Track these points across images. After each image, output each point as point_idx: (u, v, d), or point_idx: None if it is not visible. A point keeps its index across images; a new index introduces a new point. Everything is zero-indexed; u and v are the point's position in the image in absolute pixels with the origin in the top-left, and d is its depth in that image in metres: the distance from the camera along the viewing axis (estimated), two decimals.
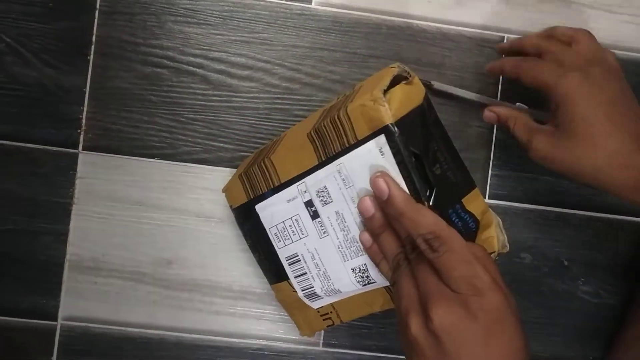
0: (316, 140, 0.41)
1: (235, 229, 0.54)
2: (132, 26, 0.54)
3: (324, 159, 0.41)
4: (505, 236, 0.40)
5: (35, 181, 0.54)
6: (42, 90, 0.53)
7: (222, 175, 0.54)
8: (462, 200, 0.40)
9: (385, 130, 0.37)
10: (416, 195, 0.37)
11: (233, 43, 0.54)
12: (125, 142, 0.54)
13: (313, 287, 0.46)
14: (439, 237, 0.35)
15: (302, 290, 0.47)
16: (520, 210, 0.56)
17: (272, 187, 0.45)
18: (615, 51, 0.56)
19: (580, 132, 0.41)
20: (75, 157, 0.54)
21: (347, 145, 0.39)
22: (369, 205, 0.39)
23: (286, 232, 0.45)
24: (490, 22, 0.55)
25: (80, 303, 0.54)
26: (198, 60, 0.54)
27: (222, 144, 0.54)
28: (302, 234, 0.44)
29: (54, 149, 0.54)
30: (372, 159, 0.38)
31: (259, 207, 0.47)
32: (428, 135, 0.39)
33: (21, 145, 0.53)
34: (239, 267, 0.54)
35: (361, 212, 0.39)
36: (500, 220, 0.41)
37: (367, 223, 0.40)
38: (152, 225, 0.54)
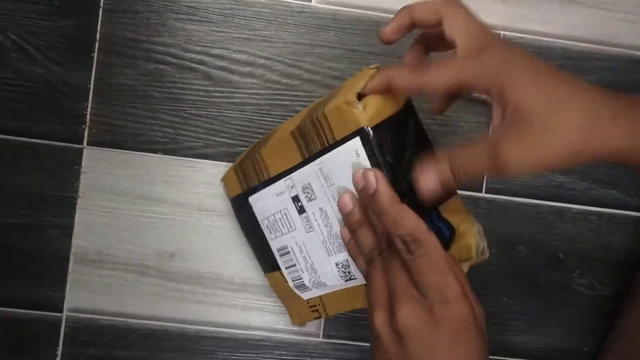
0: (299, 138, 0.42)
1: (236, 223, 0.55)
2: (135, 24, 0.55)
3: (307, 157, 0.42)
4: (486, 243, 0.40)
5: (40, 176, 0.55)
6: (48, 86, 0.54)
7: (223, 170, 0.55)
8: (439, 207, 0.40)
9: (360, 132, 0.37)
10: None
11: (234, 40, 0.55)
12: (129, 137, 0.55)
13: (302, 278, 0.47)
14: (417, 240, 0.35)
15: (293, 281, 0.48)
16: (517, 204, 0.57)
17: (262, 180, 0.46)
18: (610, 48, 0.57)
19: (535, 113, 0.32)
20: (80, 152, 0.55)
21: (326, 144, 0.40)
22: (348, 201, 0.39)
23: (277, 224, 0.47)
24: (487, 20, 0.56)
25: (85, 295, 0.55)
26: (200, 57, 0.55)
27: (223, 139, 0.55)
28: (291, 228, 0.45)
29: (59, 144, 0.55)
30: (351, 159, 0.39)
31: (252, 199, 0.48)
32: (405, 141, 0.39)
33: (27, 140, 0.54)
34: (240, 259, 0.55)
35: (340, 208, 0.40)
36: (482, 227, 0.40)
37: (345, 218, 0.40)
38: (155, 219, 0.55)
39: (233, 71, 0.55)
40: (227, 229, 0.56)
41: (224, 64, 0.55)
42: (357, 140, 0.38)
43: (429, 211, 0.39)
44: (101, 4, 0.54)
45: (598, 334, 0.58)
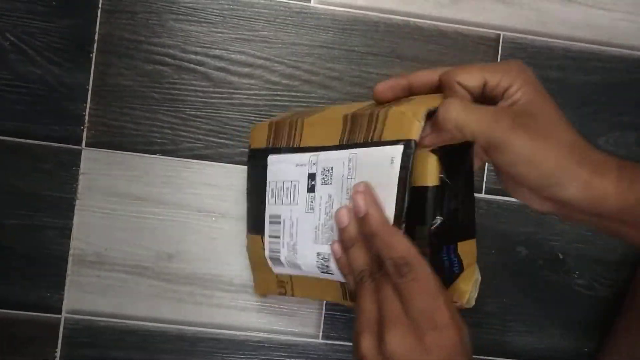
0: (348, 124, 0.42)
1: (235, 224, 0.55)
2: (134, 24, 0.55)
3: (343, 143, 0.42)
4: (476, 294, 0.40)
5: (39, 177, 0.54)
6: (46, 87, 0.54)
7: (222, 171, 0.55)
8: (459, 242, 0.40)
9: (405, 142, 0.37)
10: (399, 215, 0.37)
11: (233, 41, 0.55)
12: (127, 138, 0.55)
13: (279, 252, 0.47)
14: (408, 264, 0.34)
15: (270, 252, 0.48)
16: (516, 204, 0.57)
17: (290, 145, 0.46)
18: (610, 49, 0.57)
19: (544, 116, 0.34)
20: (78, 153, 0.55)
21: (369, 140, 0.39)
22: (344, 216, 0.38)
23: (282, 192, 0.47)
24: (486, 20, 0.56)
25: (83, 296, 0.55)
26: (199, 57, 0.55)
27: (222, 140, 0.55)
28: (293, 201, 0.45)
29: (58, 145, 0.54)
30: (381, 163, 0.38)
31: (271, 158, 0.48)
32: (461, 171, 0.39)
33: (25, 141, 0.54)
34: (239, 261, 0.55)
35: (336, 222, 0.39)
36: (480, 279, 0.40)
37: (339, 233, 0.39)
38: (153, 220, 0.55)
39: (232, 72, 0.55)
40: (226, 230, 0.55)
41: (222, 64, 0.55)
42: (398, 148, 0.37)
43: (450, 243, 0.39)
44: (99, 5, 0.54)
45: (597, 335, 0.58)
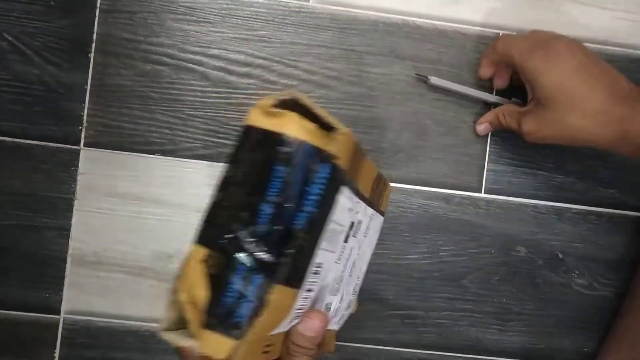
0: (377, 182, 0.43)
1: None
2: (132, 24, 0.54)
3: (371, 202, 0.42)
4: None
5: (37, 177, 0.54)
6: (44, 87, 0.54)
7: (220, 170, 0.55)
8: None
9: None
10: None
11: (232, 40, 0.55)
12: (126, 138, 0.55)
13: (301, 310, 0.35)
14: None
15: (295, 310, 0.34)
16: (516, 204, 0.57)
17: (354, 184, 0.36)
18: (609, 47, 0.57)
19: (557, 100, 0.44)
20: (76, 154, 0.54)
21: (379, 206, 0.44)
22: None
23: (334, 237, 0.35)
24: (486, 19, 0.56)
25: (82, 297, 0.55)
26: (197, 57, 0.55)
27: (221, 140, 0.55)
28: (333, 249, 0.36)
29: (56, 145, 0.54)
30: (378, 230, 0.46)
31: (345, 191, 0.34)
32: None
33: (23, 142, 0.54)
34: None
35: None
36: None
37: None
38: (153, 220, 0.55)
39: (230, 72, 0.55)
40: None
41: (221, 64, 0.55)
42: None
43: None
44: (98, 4, 0.54)
45: (597, 334, 0.57)
